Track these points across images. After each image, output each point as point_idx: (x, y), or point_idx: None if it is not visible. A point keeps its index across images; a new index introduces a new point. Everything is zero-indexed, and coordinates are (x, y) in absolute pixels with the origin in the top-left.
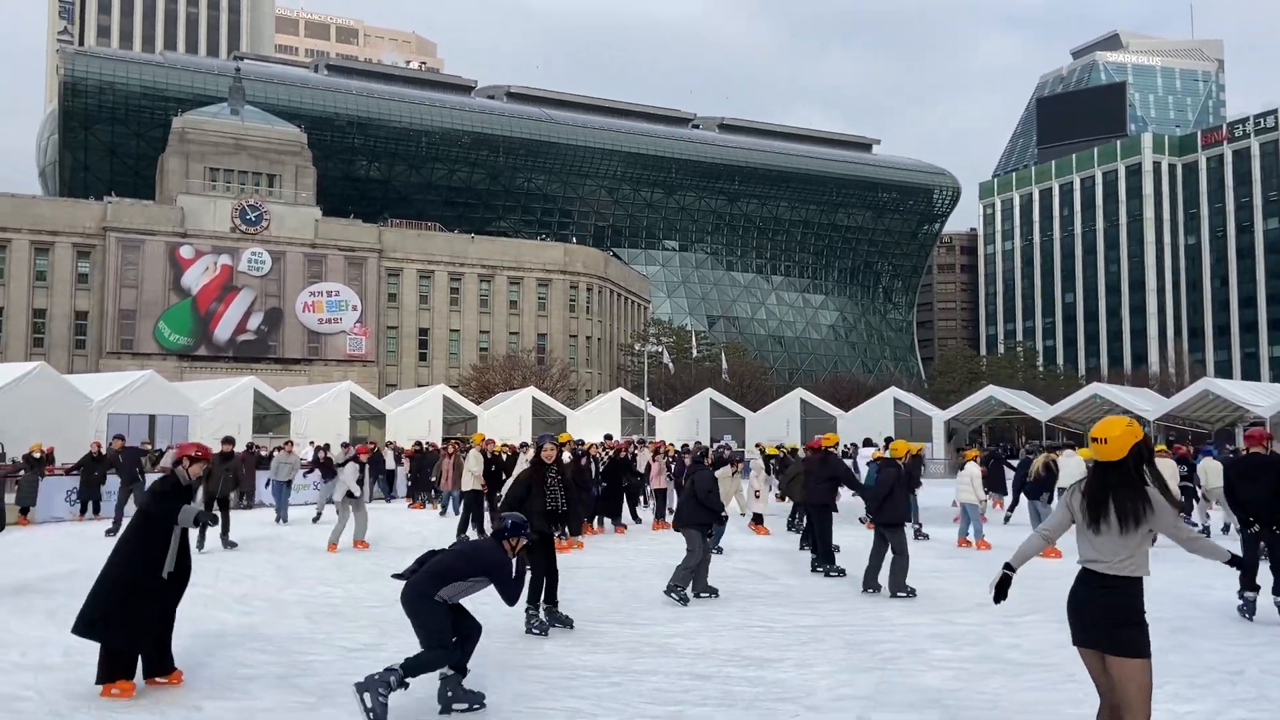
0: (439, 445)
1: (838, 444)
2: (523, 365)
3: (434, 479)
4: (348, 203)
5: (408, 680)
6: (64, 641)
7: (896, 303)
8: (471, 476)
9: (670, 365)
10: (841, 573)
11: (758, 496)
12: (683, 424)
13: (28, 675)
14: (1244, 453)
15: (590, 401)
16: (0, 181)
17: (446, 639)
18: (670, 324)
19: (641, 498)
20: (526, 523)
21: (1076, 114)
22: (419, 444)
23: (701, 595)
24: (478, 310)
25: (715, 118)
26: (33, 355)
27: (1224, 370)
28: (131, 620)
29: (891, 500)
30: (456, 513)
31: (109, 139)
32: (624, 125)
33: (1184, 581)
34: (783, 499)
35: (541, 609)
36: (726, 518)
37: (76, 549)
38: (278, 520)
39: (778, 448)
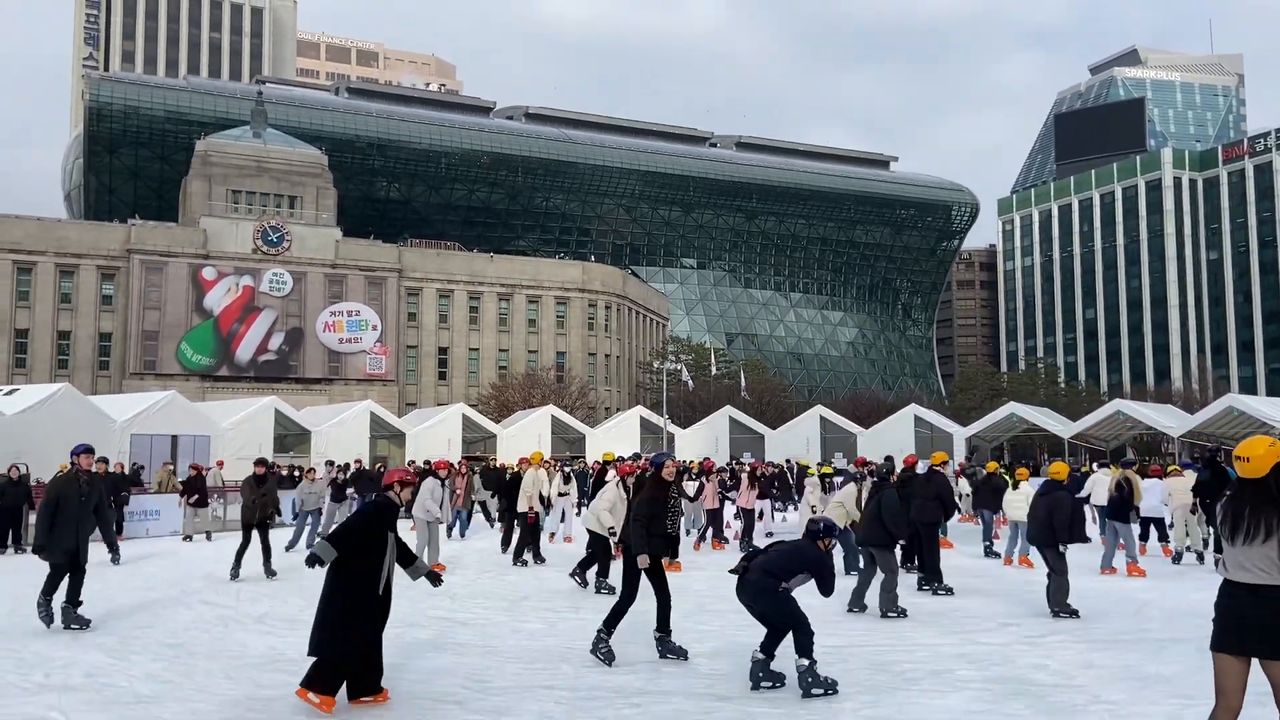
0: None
1: (945, 462)
2: (542, 384)
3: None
4: (368, 223)
5: (816, 660)
6: (87, 661)
7: (916, 319)
8: (526, 497)
9: (689, 383)
10: (950, 591)
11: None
12: (702, 442)
13: (53, 696)
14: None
15: (609, 419)
16: (26, 205)
17: (803, 618)
18: (689, 341)
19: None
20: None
21: (1095, 130)
22: (412, 463)
23: (889, 615)
24: (497, 329)
25: (733, 136)
26: (57, 376)
27: (1248, 386)
28: (343, 636)
29: (1079, 521)
30: (463, 536)
31: (133, 162)
32: (641, 144)
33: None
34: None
35: (654, 637)
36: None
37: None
38: (288, 549)
39: (829, 465)
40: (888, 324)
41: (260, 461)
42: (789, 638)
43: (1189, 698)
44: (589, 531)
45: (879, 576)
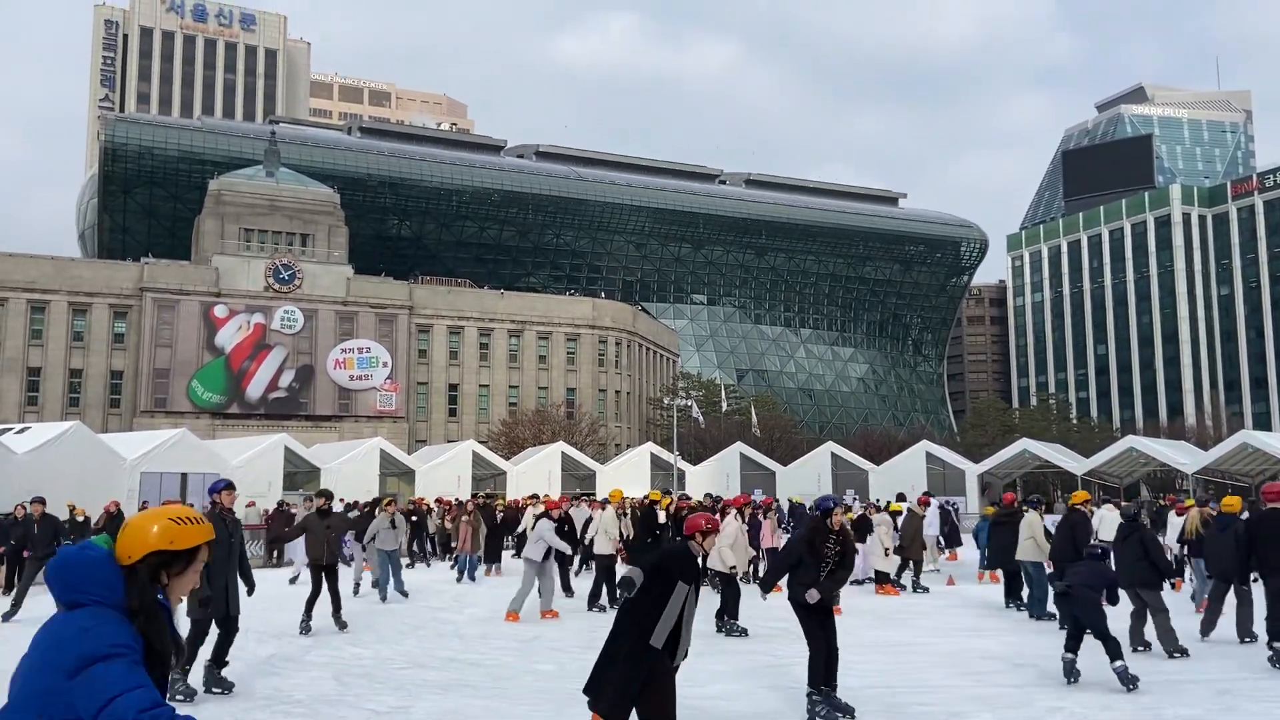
0: (428, 503)
1: (1087, 501)
2: (552, 420)
3: (433, 539)
4: (379, 261)
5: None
6: None
7: (926, 355)
8: (608, 539)
9: (700, 419)
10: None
11: (887, 555)
12: (712, 478)
13: None
14: (1264, 509)
15: (620, 456)
16: (41, 245)
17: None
18: (699, 377)
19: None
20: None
21: (1103, 166)
22: (411, 502)
23: (1175, 655)
24: (507, 365)
25: (742, 173)
26: (68, 415)
27: (1262, 423)
28: (624, 689)
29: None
30: (473, 578)
31: (147, 202)
32: (651, 182)
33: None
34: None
35: (807, 694)
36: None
37: None
38: (383, 598)
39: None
40: (898, 360)
41: (324, 493)
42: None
43: None
44: (711, 570)
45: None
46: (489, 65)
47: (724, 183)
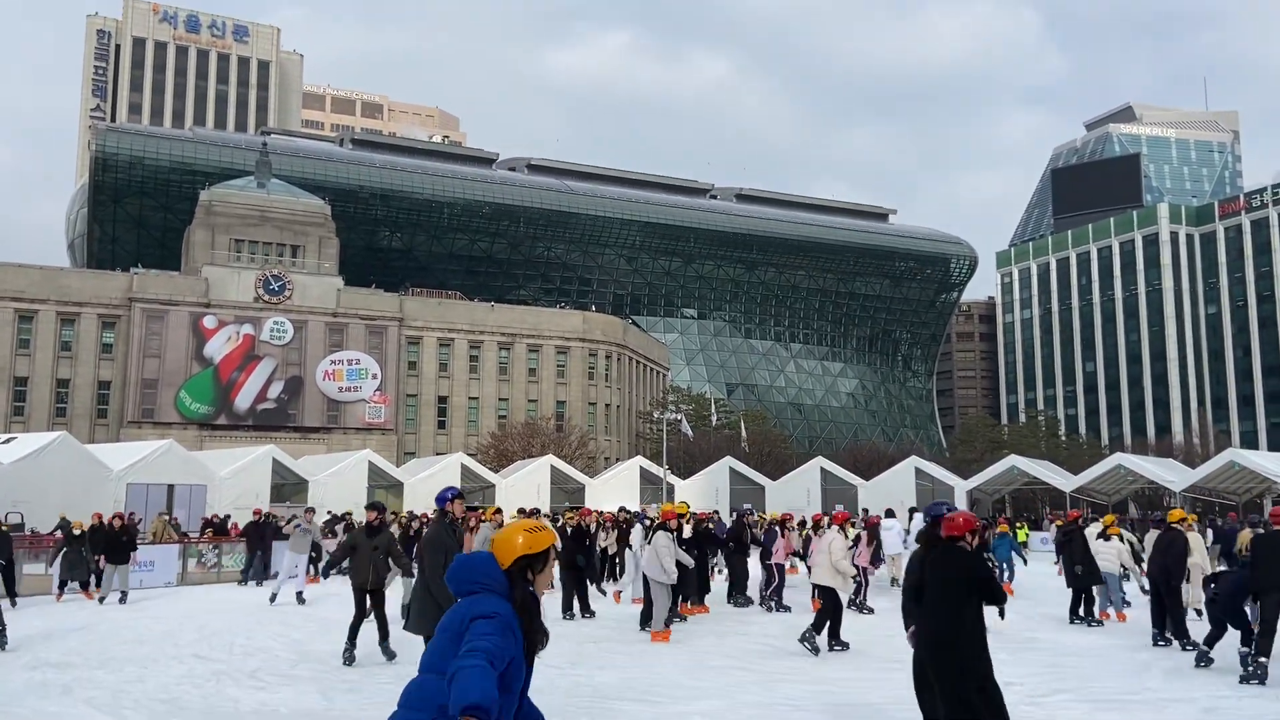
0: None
1: (1182, 519)
2: (541, 433)
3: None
4: (370, 272)
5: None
6: (76, 717)
7: (916, 371)
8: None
9: (689, 434)
10: (1196, 648)
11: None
12: (702, 492)
13: None
14: (1269, 529)
15: (609, 470)
16: (30, 255)
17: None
18: (689, 391)
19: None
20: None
21: (1091, 185)
22: (332, 514)
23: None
24: (497, 378)
25: (733, 188)
26: (55, 425)
27: (1250, 441)
28: None
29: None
30: None
31: (137, 212)
32: (642, 195)
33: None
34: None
35: None
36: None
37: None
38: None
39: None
40: (888, 375)
41: (374, 506)
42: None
43: None
44: (816, 586)
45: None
46: (482, 78)
47: (715, 197)
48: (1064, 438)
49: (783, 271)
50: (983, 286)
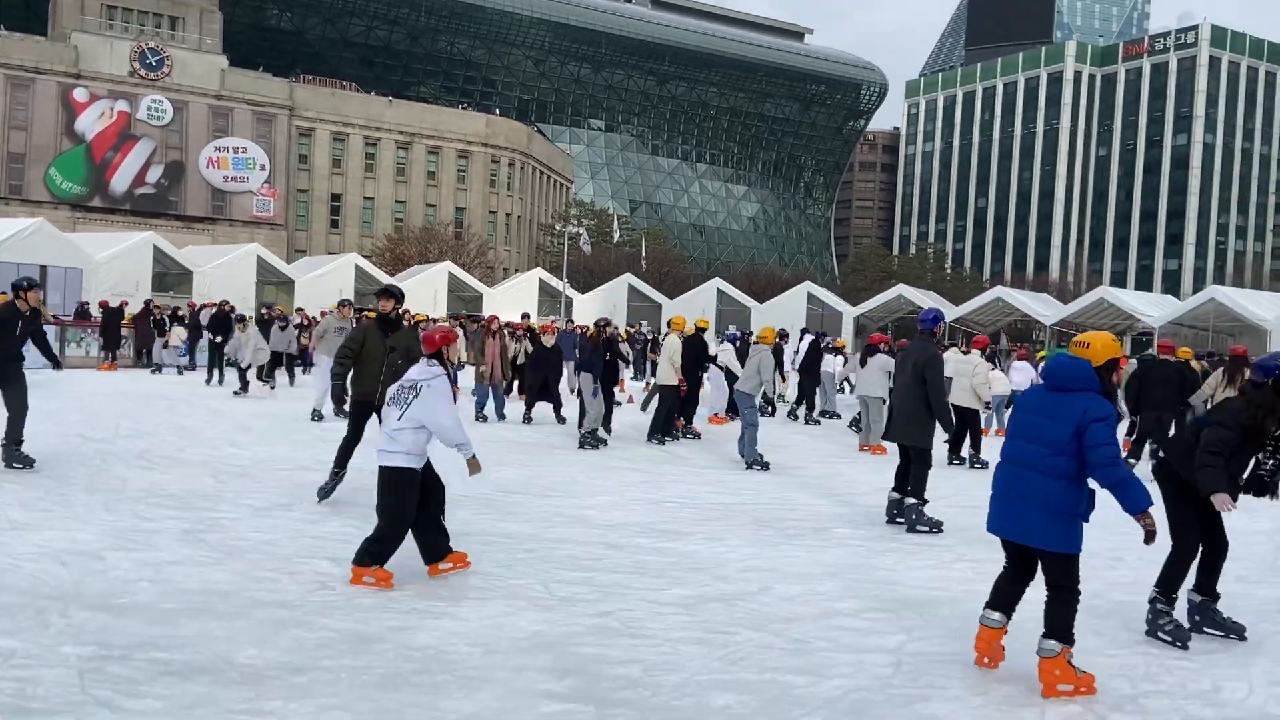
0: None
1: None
2: (439, 239)
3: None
4: (256, 54)
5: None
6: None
7: (817, 198)
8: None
9: (588, 249)
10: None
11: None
12: (600, 308)
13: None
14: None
15: (507, 280)
16: None
17: None
18: (592, 206)
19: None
20: None
21: (1006, 17)
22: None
23: None
24: (394, 178)
25: None
26: None
27: (1119, 280)
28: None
29: None
30: (502, 416)
31: None
32: None
33: None
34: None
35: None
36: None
37: None
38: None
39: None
40: (789, 201)
41: (389, 291)
42: None
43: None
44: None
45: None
46: None
47: (630, 1)
48: (950, 270)
49: (694, 87)
50: (889, 116)
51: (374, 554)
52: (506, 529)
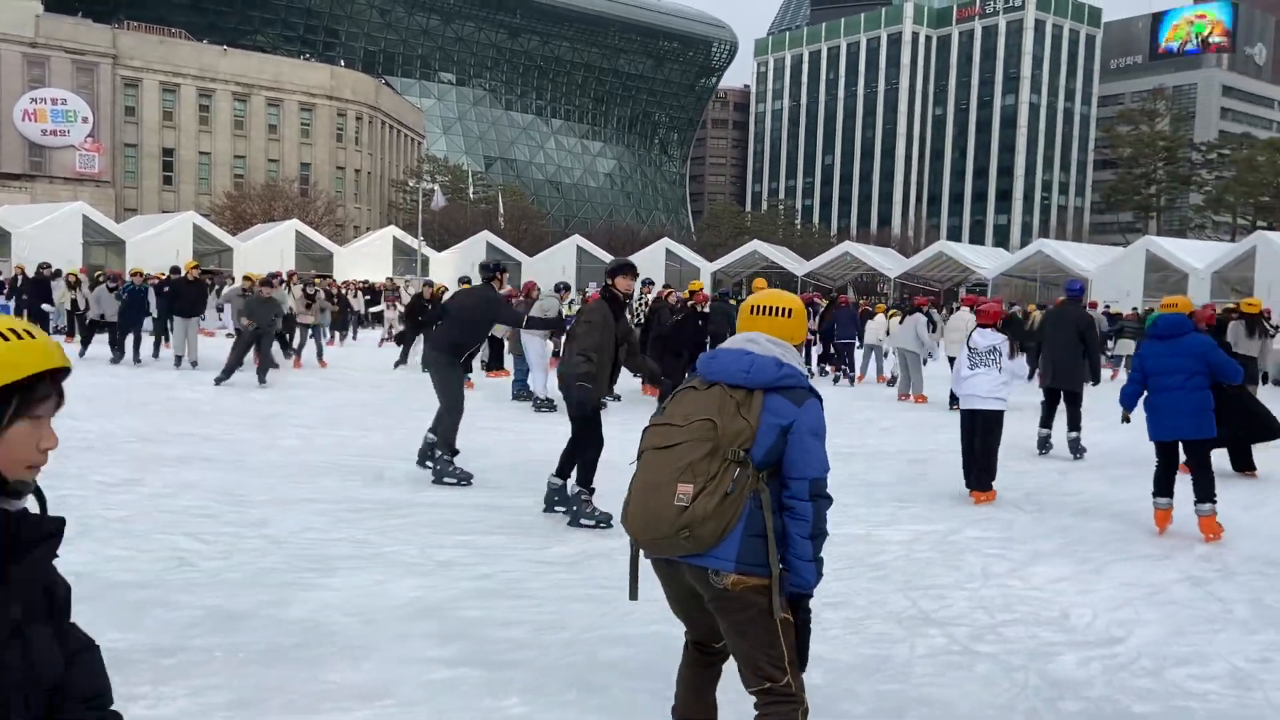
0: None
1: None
2: (284, 196)
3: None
4: None
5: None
6: None
7: (671, 155)
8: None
9: (440, 203)
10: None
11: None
12: (458, 266)
13: None
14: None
15: (359, 239)
16: None
17: None
18: (446, 162)
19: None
20: None
21: None
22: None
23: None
24: (231, 132)
25: None
26: None
27: (954, 235)
28: None
29: None
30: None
31: None
32: None
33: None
34: None
35: None
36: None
37: None
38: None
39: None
40: (645, 158)
41: (629, 267)
42: None
43: (917, 503)
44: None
45: None
46: None
47: None
48: (800, 226)
49: (547, 41)
50: (740, 74)
51: None
52: (378, 495)
